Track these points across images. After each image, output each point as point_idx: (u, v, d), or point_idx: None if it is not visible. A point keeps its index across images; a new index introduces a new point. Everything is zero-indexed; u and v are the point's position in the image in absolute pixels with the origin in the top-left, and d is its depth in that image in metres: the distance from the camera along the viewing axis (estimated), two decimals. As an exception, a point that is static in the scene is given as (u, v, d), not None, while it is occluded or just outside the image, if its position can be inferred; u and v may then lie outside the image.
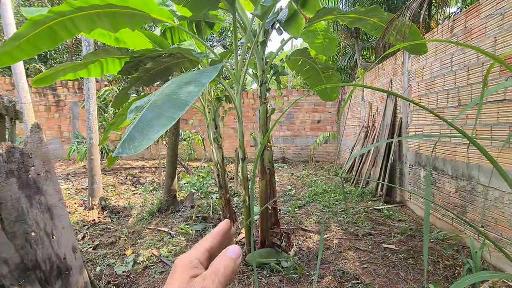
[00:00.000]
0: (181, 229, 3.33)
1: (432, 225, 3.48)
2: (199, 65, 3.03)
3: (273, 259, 2.59)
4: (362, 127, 6.30)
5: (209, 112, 3.45)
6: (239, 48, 2.57)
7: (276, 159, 8.63)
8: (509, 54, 2.31)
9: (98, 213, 3.77)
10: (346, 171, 6.13)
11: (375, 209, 4.13)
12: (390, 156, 4.51)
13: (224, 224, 0.36)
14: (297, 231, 3.44)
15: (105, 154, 5.42)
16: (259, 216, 2.75)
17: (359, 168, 5.53)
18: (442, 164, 3.27)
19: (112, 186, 5.35)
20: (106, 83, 7.69)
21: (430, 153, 3.54)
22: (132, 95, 4.32)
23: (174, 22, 2.28)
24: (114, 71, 2.91)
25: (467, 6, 5.38)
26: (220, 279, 0.28)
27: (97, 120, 4.32)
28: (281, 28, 2.88)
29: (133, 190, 5.27)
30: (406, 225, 3.47)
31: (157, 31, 3.35)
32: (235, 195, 5.10)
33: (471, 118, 2.77)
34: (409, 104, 4.12)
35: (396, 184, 4.58)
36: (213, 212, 4.00)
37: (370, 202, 4.47)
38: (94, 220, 3.56)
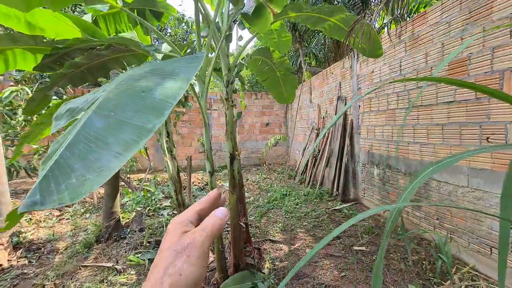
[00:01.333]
0: (131, 260, 2.74)
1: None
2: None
3: (249, 283, 2.28)
4: (312, 128, 6.47)
5: (159, 118, 2.93)
6: (201, 40, 2.20)
7: (226, 165, 8.29)
8: (454, 59, 2.52)
9: (9, 254, 2.84)
10: (301, 173, 6.20)
11: (335, 209, 4.19)
12: (344, 156, 4.68)
13: (214, 192, 0.41)
14: (265, 243, 3.20)
15: (16, 174, 4.24)
16: (230, 235, 2.40)
17: (313, 169, 5.63)
18: (396, 162, 3.48)
19: (27, 213, 4.21)
20: (12, 83, 6.14)
21: (383, 152, 3.74)
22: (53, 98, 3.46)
23: (116, 3, 1.79)
24: (25, 66, 2.20)
25: (396, 21, 6.01)
26: (207, 233, 0.33)
27: (0, 131, 3.30)
28: (243, 23, 2.62)
29: (58, 216, 4.26)
30: (367, 223, 3.58)
31: (87, 19, 2.70)
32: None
33: (422, 118, 2.98)
34: (359, 106, 4.32)
35: (349, 183, 4.77)
36: (167, 233, 3.45)
37: (329, 202, 4.54)
38: (1, 265, 2.66)
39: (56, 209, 4.59)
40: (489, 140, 2.24)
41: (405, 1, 2.63)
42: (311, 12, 2.40)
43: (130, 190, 4.94)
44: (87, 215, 4.26)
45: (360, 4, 6.11)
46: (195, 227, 0.34)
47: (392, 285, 2.28)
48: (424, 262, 2.58)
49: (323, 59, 8.78)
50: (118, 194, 3.36)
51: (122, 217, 3.67)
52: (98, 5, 2.26)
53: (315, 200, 4.69)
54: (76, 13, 7.52)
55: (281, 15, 2.31)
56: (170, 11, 2.54)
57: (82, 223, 3.90)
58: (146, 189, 4.72)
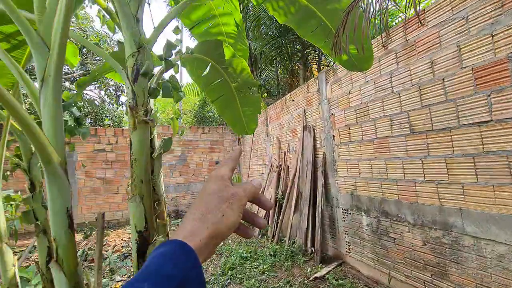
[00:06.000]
0: None
1: (392, 290, 2.64)
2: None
3: None
4: (271, 166, 5.47)
5: None
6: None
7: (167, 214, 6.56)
8: (482, 65, 1.83)
9: None
10: (261, 221, 4.96)
11: (317, 278, 3.01)
12: (319, 200, 3.67)
13: (238, 150, 0.47)
14: None
15: None
16: None
17: (279, 217, 4.48)
18: (396, 208, 2.57)
19: None
20: None
21: (374, 194, 2.84)
22: None
23: None
24: None
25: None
26: (247, 194, 0.40)
27: None
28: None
29: None
30: (369, 301, 2.47)
31: None
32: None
33: (434, 148, 2.18)
34: (333, 136, 3.49)
35: (327, 234, 3.72)
36: None
37: (305, 265, 3.34)
38: None
39: None
40: None
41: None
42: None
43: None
44: None
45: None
46: (230, 182, 0.41)
47: None
48: None
49: (276, 91, 8.27)
50: None
51: None
52: None
53: (286, 263, 3.45)
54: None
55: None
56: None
57: None
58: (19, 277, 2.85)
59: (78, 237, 4.70)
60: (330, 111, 3.52)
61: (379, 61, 2.69)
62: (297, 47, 5.82)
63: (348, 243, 3.31)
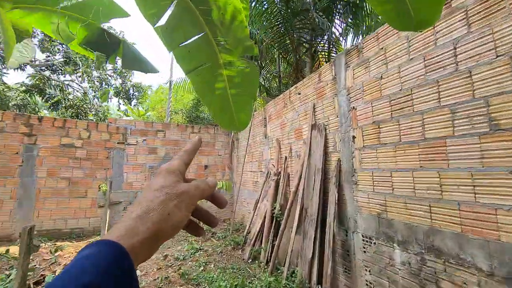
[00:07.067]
0: None
1: None
2: None
3: None
4: (268, 174, 4.59)
5: None
6: None
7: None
8: None
9: None
10: (253, 240, 4.04)
11: (329, 337, 2.09)
12: (329, 220, 2.78)
13: (198, 141, 0.43)
14: None
15: None
16: None
17: (275, 238, 3.57)
18: (457, 244, 1.70)
19: None
20: None
21: (417, 220, 1.96)
22: None
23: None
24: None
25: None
26: (199, 192, 0.37)
27: None
28: None
29: None
30: None
31: None
32: None
33: (540, 154, 1.33)
34: (353, 136, 2.63)
35: (338, 266, 2.82)
36: None
37: (311, 314, 2.44)
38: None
39: None
40: None
41: None
42: None
43: None
44: None
45: None
46: (183, 177, 0.38)
47: None
48: None
49: (277, 90, 7.45)
50: None
51: None
52: None
53: (283, 306, 2.53)
54: None
55: None
56: None
57: None
58: None
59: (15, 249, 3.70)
60: (350, 104, 2.68)
61: (433, 27, 1.86)
62: (305, 36, 5.02)
63: (370, 283, 2.42)
